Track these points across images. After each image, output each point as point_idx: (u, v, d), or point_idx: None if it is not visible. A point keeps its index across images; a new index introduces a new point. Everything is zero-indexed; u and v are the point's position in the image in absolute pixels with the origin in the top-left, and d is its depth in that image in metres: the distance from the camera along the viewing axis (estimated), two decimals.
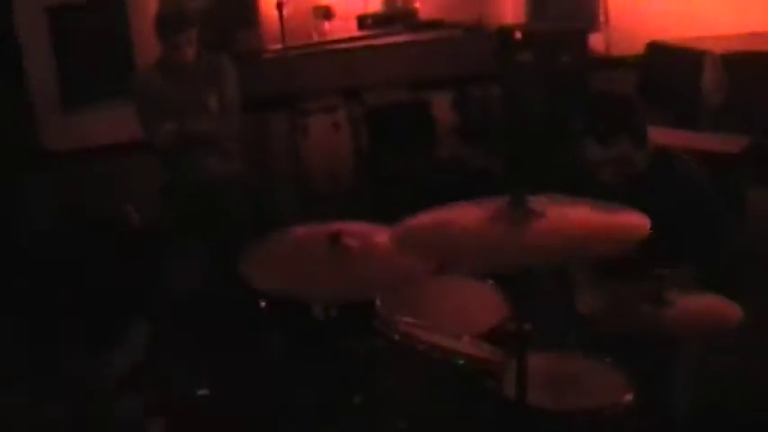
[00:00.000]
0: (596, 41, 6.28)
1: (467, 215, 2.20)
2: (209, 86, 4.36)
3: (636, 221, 2.24)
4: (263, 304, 3.25)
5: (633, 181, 2.95)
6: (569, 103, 3.21)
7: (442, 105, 6.31)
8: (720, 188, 3.96)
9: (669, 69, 5.54)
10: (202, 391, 3.53)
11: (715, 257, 2.99)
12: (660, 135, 3.54)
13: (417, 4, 7.62)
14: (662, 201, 2.76)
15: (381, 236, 2.51)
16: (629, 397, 2.43)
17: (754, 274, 4.49)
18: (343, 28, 7.13)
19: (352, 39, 6.77)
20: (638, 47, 5.91)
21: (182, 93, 4.29)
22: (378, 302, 2.76)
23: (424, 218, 2.26)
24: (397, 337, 2.54)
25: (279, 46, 6.07)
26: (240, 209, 4.52)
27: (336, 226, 2.56)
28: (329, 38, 6.78)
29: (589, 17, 6.28)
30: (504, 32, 6.08)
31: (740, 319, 2.70)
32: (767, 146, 4.73)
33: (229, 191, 4.47)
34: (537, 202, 2.17)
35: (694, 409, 3.04)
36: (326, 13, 8.17)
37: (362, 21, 7.23)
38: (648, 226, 2.20)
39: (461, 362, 2.45)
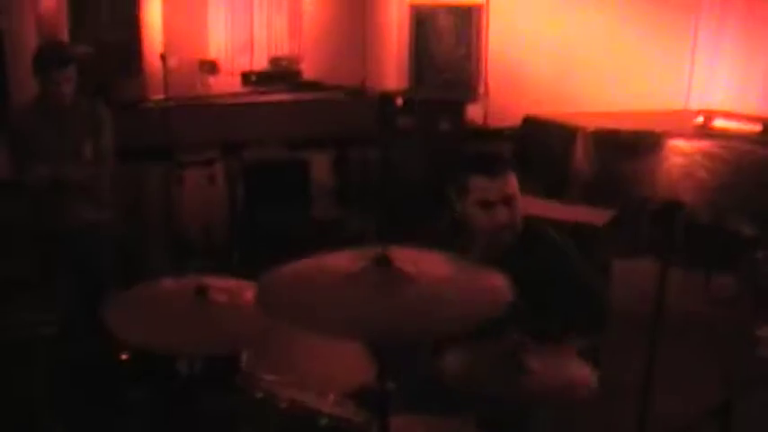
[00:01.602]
0: (475, 112, 6.47)
1: (333, 270, 2.19)
2: (86, 133, 4.27)
3: (502, 286, 2.28)
4: (124, 357, 3.17)
5: (504, 248, 3.00)
6: (446, 170, 3.24)
7: (320, 166, 6.34)
8: (586, 258, 4.10)
9: (543, 143, 5.73)
10: None
11: (582, 326, 3.05)
12: (531, 205, 3.64)
13: (302, 65, 7.70)
14: (529, 268, 2.82)
15: (249, 292, 2.48)
16: None
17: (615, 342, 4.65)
18: (227, 83, 7.15)
19: (235, 94, 6.78)
20: (514, 119, 6.08)
21: (58, 137, 4.19)
22: (242, 358, 2.72)
23: (289, 271, 2.23)
24: (259, 395, 2.51)
25: (160, 97, 6.02)
26: (108, 258, 4.42)
27: (204, 279, 2.52)
28: (213, 92, 6.78)
29: (469, 88, 6.46)
30: (386, 98, 6.19)
31: (594, 389, 2.78)
32: (630, 218, 4.94)
33: (98, 239, 4.37)
34: (405, 261, 2.18)
35: None
36: (212, 68, 8.17)
37: (247, 78, 7.27)
38: (513, 291, 2.24)
39: (324, 421, 2.44)
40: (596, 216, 4.58)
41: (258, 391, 2.52)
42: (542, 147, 5.72)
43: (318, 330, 2.12)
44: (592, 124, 5.44)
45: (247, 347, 2.67)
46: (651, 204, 5.24)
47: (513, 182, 3.04)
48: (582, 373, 2.77)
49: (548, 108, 6.08)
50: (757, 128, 5.36)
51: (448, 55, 6.39)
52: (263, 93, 6.89)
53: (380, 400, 2.22)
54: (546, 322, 2.85)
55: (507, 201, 3.01)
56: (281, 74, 7.77)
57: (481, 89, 6.51)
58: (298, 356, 2.86)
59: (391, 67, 6.61)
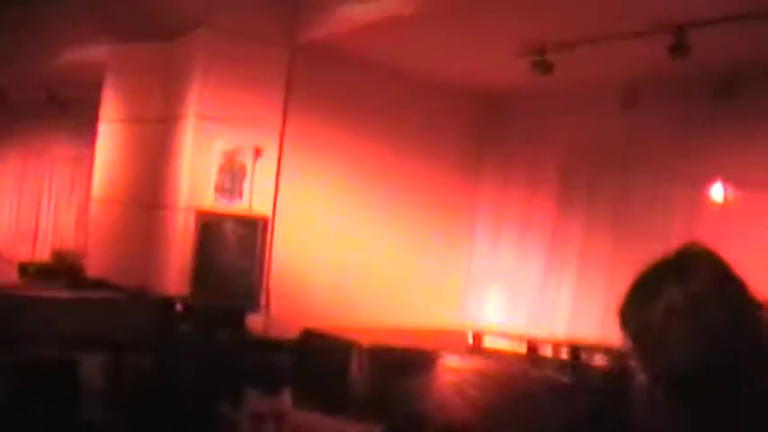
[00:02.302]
0: (256, 322, 6.49)
1: None
2: None
3: None
4: None
5: None
6: (223, 381, 3.25)
7: (92, 367, 6.10)
8: None
9: (321, 356, 5.78)
10: None
11: None
12: (304, 419, 3.65)
13: (86, 261, 7.54)
14: None
15: None
16: None
17: None
18: (4, 273, 6.89)
19: (8, 286, 6.53)
20: (295, 331, 6.13)
21: None
22: None
23: None
24: None
25: None
26: None
27: None
28: None
29: (251, 298, 6.50)
30: (166, 302, 6.12)
31: None
32: None
33: None
34: None
35: None
36: None
37: (24, 269, 7.04)
38: None
39: None
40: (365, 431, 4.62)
41: None
42: (320, 360, 5.77)
43: None
44: (368, 340, 5.56)
45: None
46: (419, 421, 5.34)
47: (286, 399, 3.08)
48: None
49: (328, 318, 6.20)
50: (524, 347, 5.63)
51: (232, 264, 6.44)
52: (39, 287, 6.67)
53: None
54: None
55: (279, 417, 3.05)
56: (61, 269, 7.58)
57: (263, 300, 6.57)
58: None
59: (174, 273, 6.57)
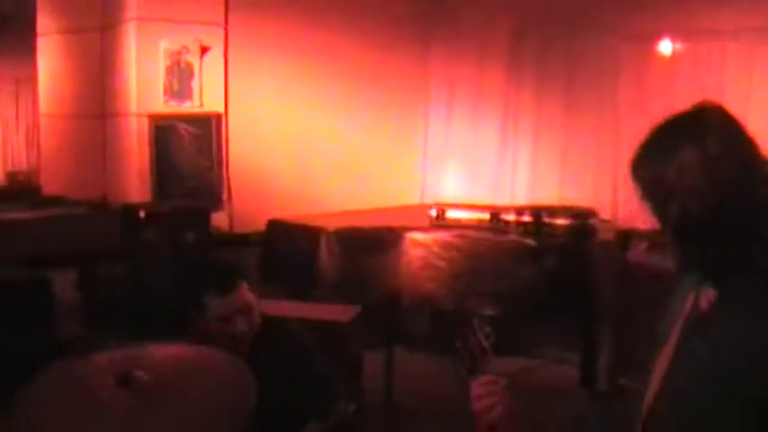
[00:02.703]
0: (221, 220, 6.52)
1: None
2: None
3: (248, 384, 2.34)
4: None
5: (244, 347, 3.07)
6: (191, 282, 3.28)
7: (63, 283, 6.13)
8: (336, 353, 4.22)
9: (289, 245, 5.83)
10: None
11: (328, 416, 3.14)
12: (274, 307, 3.73)
13: (41, 180, 7.48)
14: (270, 361, 2.92)
15: None
16: None
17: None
18: None
19: None
20: (260, 224, 6.17)
21: None
22: None
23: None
24: None
25: None
26: None
27: None
28: None
29: (213, 196, 6.51)
30: (129, 210, 6.11)
31: None
32: (375, 313, 5.14)
33: None
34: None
35: None
36: None
37: None
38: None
39: None
40: (342, 313, 4.74)
41: None
42: (288, 250, 5.83)
43: None
44: (334, 224, 5.62)
45: None
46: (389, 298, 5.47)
47: (245, 293, 3.13)
48: None
49: (292, 211, 6.23)
50: (487, 216, 5.71)
51: (190, 165, 6.43)
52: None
53: None
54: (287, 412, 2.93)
55: (244, 311, 3.10)
56: (18, 190, 7.51)
57: (225, 196, 6.59)
58: None
59: (132, 180, 6.55)
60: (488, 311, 5.33)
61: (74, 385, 2.32)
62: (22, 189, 7.48)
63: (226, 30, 6.68)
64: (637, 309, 4.38)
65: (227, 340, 3.06)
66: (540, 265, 5.32)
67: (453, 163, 7.55)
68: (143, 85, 6.40)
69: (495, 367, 2.38)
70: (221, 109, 6.66)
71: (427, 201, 6.75)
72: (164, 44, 6.40)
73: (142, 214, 6.00)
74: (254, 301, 3.15)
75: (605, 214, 6.35)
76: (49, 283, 5.99)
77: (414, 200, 7.23)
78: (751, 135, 1.86)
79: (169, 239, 5.87)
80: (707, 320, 1.94)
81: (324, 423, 3.09)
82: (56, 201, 6.89)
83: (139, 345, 2.36)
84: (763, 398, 1.75)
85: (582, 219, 5.61)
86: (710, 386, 1.86)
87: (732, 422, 1.81)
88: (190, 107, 6.52)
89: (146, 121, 6.39)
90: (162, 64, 6.39)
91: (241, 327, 3.08)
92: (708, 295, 1.95)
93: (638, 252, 4.50)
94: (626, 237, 4.86)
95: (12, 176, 8.06)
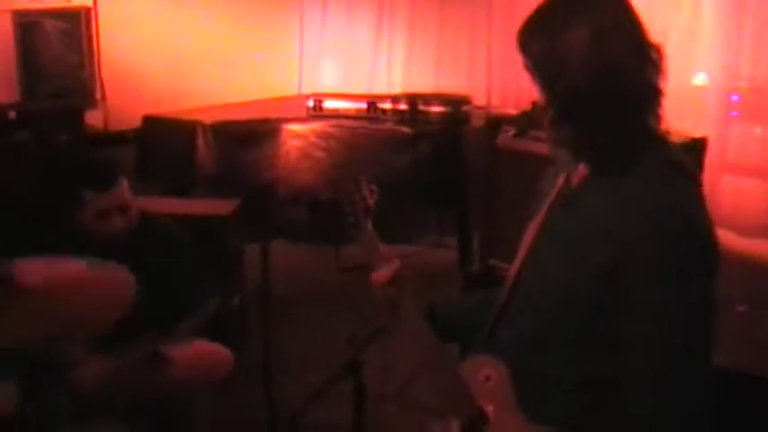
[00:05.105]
0: (95, 118, 6.39)
1: None
2: None
3: (126, 283, 2.39)
4: None
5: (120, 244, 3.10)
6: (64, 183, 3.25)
7: None
8: (216, 247, 4.28)
9: (165, 141, 5.78)
10: None
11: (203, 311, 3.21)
12: (153, 204, 3.74)
13: None
14: (146, 262, 2.96)
15: None
16: None
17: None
18: None
19: None
20: (135, 121, 6.08)
21: None
22: None
23: None
24: None
25: None
26: None
27: None
28: None
29: (85, 94, 6.35)
30: None
31: (233, 362, 2.97)
32: (255, 206, 5.19)
33: None
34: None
35: None
36: None
37: None
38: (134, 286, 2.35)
39: None
40: (221, 207, 4.77)
41: None
42: (164, 146, 5.77)
43: None
44: (210, 118, 5.59)
45: None
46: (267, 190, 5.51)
47: (124, 188, 3.15)
48: (219, 353, 2.95)
49: (168, 106, 6.15)
50: (364, 105, 5.78)
51: (59, 62, 6.22)
52: None
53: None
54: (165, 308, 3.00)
55: (122, 208, 3.12)
56: None
57: (98, 94, 6.44)
58: None
59: None
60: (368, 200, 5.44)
61: None
62: None
63: None
64: (505, 192, 4.54)
65: (103, 236, 3.09)
66: (415, 152, 5.44)
67: (329, 54, 7.53)
68: None
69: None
70: (89, 2, 6.43)
71: (305, 92, 6.75)
72: None
73: (12, 115, 5.85)
74: (131, 199, 3.17)
75: (479, 101, 6.49)
76: None
77: (291, 92, 7.21)
78: (640, 18, 1.93)
79: (40, 140, 5.74)
80: (574, 194, 2.06)
81: (199, 317, 3.16)
82: None
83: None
84: (610, 266, 1.88)
85: (456, 106, 5.73)
86: (568, 252, 1.99)
87: (584, 287, 1.95)
88: (56, 1, 6.28)
89: (9, 18, 6.14)
90: None
91: (119, 224, 3.11)
92: (580, 172, 2.06)
93: (507, 138, 4.64)
94: (496, 122, 4.99)
95: None
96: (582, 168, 2.03)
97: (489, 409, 2.10)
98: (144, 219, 3.25)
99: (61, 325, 2.53)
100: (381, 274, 2.39)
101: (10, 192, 5.79)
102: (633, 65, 1.86)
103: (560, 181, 2.12)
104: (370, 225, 2.50)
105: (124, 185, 3.15)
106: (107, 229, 3.09)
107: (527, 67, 1.94)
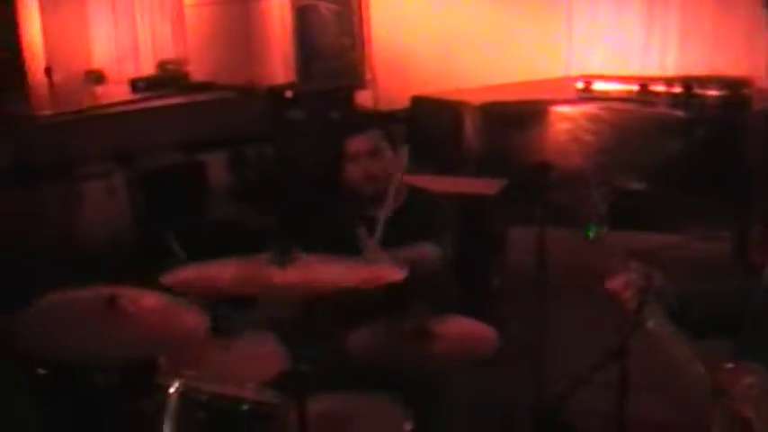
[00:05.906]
0: (364, 98, 6.58)
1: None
2: None
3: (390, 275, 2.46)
4: (41, 372, 3.17)
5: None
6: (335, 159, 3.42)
7: (216, 166, 6.35)
8: (481, 225, 4.28)
9: (433, 121, 5.85)
10: None
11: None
12: (422, 181, 3.79)
13: (189, 68, 7.68)
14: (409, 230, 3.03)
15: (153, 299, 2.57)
16: (408, 428, 2.59)
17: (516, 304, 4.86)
18: (115, 92, 7.08)
19: (124, 102, 6.73)
20: (403, 102, 6.20)
21: None
22: (160, 360, 2.77)
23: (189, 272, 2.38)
24: (180, 390, 2.56)
25: (49, 112, 5.95)
26: None
27: (111, 289, 2.56)
28: (102, 102, 6.72)
29: (356, 75, 6.55)
30: (275, 92, 6.24)
31: (498, 342, 2.94)
32: (523, 187, 5.13)
33: None
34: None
35: None
36: (98, 78, 8.08)
37: (135, 84, 7.22)
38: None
39: (245, 407, 2.51)
40: (487, 186, 4.74)
41: (178, 387, 2.57)
42: (433, 126, 5.84)
43: None
44: (478, 99, 5.58)
45: (164, 351, 2.72)
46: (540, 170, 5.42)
47: (376, 136, 3.26)
48: (483, 332, 2.93)
49: (435, 87, 6.22)
50: (635, 87, 5.58)
51: (332, 45, 6.47)
52: (152, 98, 6.86)
53: (297, 384, 2.33)
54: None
55: (373, 153, 3.23)
56: (169, 78, 7.75)
57: (368, 75, 6.62)
58: (214, 355, 2.94)
59: (277, 63, 6.67)
60: (635, 186, 5.25)
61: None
62: (172, 77, 7.69)
63: None
64: None
65: (356, 178, 3.22)
66: (689, 138, 5.18)
67: (599, 35, 7.32)
68: None
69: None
70: None
71: (572, 74, 6.59)
72: None
73: (288, 95, 6.13)
74: (383, 150, 3.26)
75: (762, 83, 6.09)
76: (203, 167, 6.25)
77: (557, 74, 7.08)
78: None
79: (314, 118, 5.98)
80: None
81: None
82: (205, 87, 7.08)
83: None
84: None
85: (735, 89, 5.41)
86: None
87: None
88: None
89: (288, 3, 6.43)
90: None
91: (370, 168, 3.22)
92: None
93: None
94: None
95: (162, 65, 8.28)
96: None
97: (752, 417, 1.98)
98: (413, 192, 3.35)
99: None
100: (616, 282, 2.32)
101: (290, 168, 6.10)
102: None
103: None
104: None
105: (377, 134, 3.27)
106: (359, 172, 3.20)
107: None
